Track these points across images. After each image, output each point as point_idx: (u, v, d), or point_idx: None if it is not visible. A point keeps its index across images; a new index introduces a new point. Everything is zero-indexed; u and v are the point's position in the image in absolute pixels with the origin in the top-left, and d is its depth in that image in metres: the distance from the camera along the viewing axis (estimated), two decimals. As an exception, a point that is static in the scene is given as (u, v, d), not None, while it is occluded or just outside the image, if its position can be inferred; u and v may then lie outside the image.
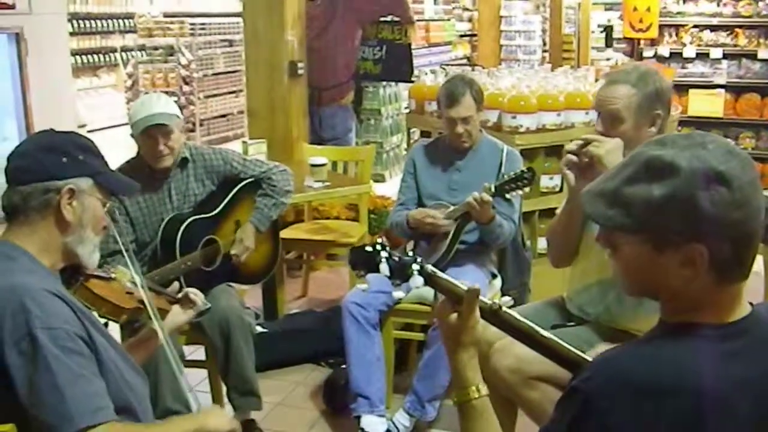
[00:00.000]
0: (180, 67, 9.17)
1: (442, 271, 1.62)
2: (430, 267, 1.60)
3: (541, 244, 3.84)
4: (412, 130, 5.19)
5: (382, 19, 6.03)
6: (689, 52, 7.15)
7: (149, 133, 2.83)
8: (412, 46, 6.20)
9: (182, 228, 2.89)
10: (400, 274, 1.61)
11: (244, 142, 4.36)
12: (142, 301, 1.92)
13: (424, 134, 4.51)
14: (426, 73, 4.62)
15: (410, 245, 3.23)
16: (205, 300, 2.25)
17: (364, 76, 6.30)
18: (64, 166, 1.70)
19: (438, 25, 10.26)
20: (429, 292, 3.03)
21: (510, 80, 4.01)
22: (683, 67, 7.20)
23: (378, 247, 1.62)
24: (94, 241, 1.77)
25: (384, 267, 1.61)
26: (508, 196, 2.99)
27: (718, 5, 7.07)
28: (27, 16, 4.70)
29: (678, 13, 7.23)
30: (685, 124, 6.09)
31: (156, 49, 9.44)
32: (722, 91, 7.08)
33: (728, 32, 7.07)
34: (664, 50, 7.23)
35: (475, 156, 3.24)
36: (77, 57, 9.09)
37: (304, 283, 4.66)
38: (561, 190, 3.80)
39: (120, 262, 2.25)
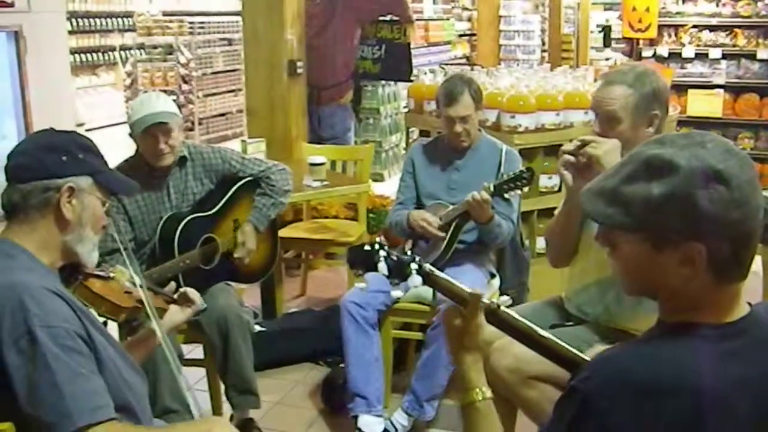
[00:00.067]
0: (179, 66, 9.17)
1: (441, 270, 1.62)
2: (428, 266, 1.61)
3: (540, 243, 3.83)
4: (411, 130, 5.20)
5: (381, 18, 6.03)
6: (688, 52, 7.15)
7: (150, 132, 2.82)
8: (411, 46, 6.20)
9: (180, 226, 2.89)
10: (398, 273, 1.61)
11: (243, 141, 4.36)
12: (140, 301, 1.93)
13: (423, 133, 4.51)
14: (425, 73, 4.62)
15: (409, 245, 3.23)
16: (202, 300, 2.24)
17: (363, 76, 6.30)
18: (64, 165, 1.70)
19: (437, 25, 10.27)
20: (427, 292, 3.03)
21: (509, 80, 4.01)
22: (682, 67, 7.20)
23: (376, 246, 1.62)
24: (94, 240, 1.77)
25: (382, 266, 1.61)
26: (506, 195, 2.99)
27: (717, 5, 7.07)
28: (26, 15, 4.70)
29: (677, 13, 7.23)
30: (684, 124, 6.09)
31: (155, 47, 9.43)
32: (721, 91, 7.08)
33: (727, 32, 7.07)
34: (663, 50, 7.23)
35: (474, 155, 3.24)
36: (76, 55, 9.09)
37: (303, 282, 4.65)
38: (560, 189, 3.80)
39: (119, 261, 2.25)
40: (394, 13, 6.01)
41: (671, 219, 1.18)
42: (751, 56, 6.97)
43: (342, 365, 3.16)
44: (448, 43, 10.58)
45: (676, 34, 7.26)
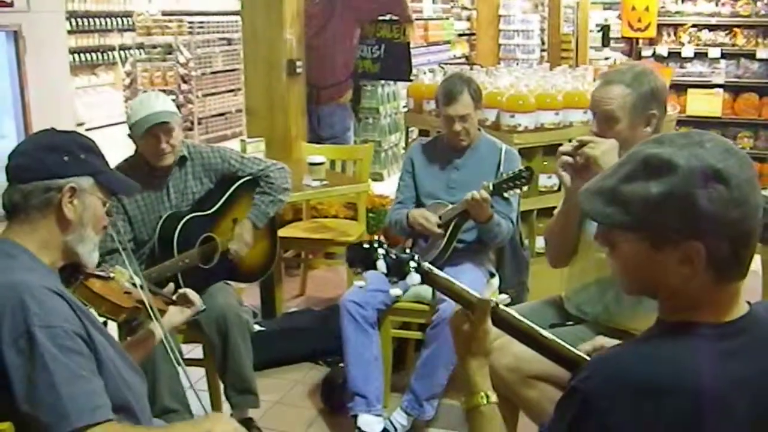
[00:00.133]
0: (178, 66, 9.17)
1: (440, 269, 1.62)
2: (426, 264, 1.61)
3: (539, 243, 3.83)
4: (410, 129, 5.20)
5: (380, 17, 6.03)
6: (688, 51, 7.14)
7: (152, 132, 2.82)
8: (411, 45, 6.20)
9: (180, 226, 2.89)
10: (397, 271, 1.61)
11: (242, 141, 4.36)
12: (140, 301, 1.93)
13: (423, 133, 4.51)
14: (424, 72, 4.62)
15: (408, 243, 3.23)
16: (201, 301, 2.25)
17: (363, 75, 6.30)
18: (66, 165, 1.70)
19: (437, 24, 10.27)
20: (427, 291, 3.03)
21: (508, 79, 4.01)
22: (681, 67, 7.20)
23: (375, 244, 1.62)
24: (94, 240, 1.78)
25: (381, 264, 1.61)
26: (506, 194, 2.99)
27: (717, 5, 7.06)
28: (25, 14, 4.70)
29: (676, 12, 7.23)
30: (683, 124, 6.08)
31: (154, 47, 9.43)
32: (720, 90, 7.08)
33: (727, 32, 7.07)
34: (662, 50, 7.23)
35: (474, 155, 3.24)
36: (75, 55, 9.10)
37: (302, 281, 4.65)
38: (559, 189, 3.80)
39: (118, 261, 2.25)
40: (394, 12, 6.00)
41: (670, 218, 1.18)
42: (751, 56, 6.96)
43: (341, 365, 3.16)
44: (448, 42, 10.58)
45: (675, 34, 7.25)
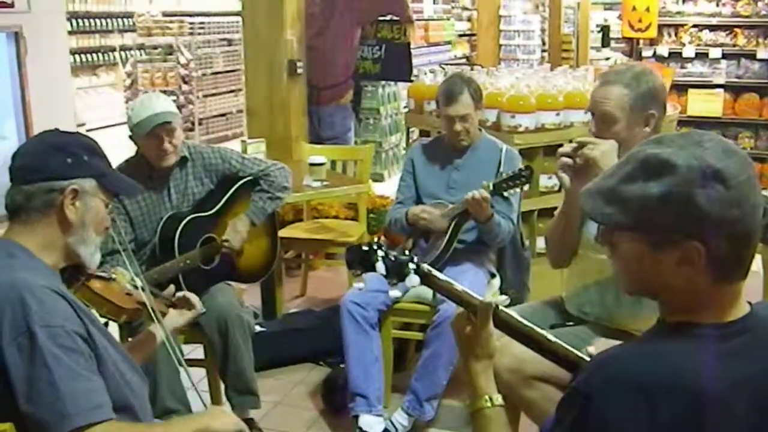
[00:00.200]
0: (179, 66, 9.18)
1: (440, 269, 1.62)
2: (426, 266, 1.61)
3: (540, 243, 3.83)
4: (411, 130, 5.19)
5: (381, 18, 6.04)
6: (688, 51, 7.14)
7: (155, 132, 2.82)
8: (411, 46, 6.21)
9: (181, 226, 2.89)
10: (396, 273, 1.61)
11: (243, 142, 4.36)
12: (141, 303, 1.93)
13: (423, 134, 4.51)
14: (425, 73, 4.62)
15: (409, 244, 3.23)
16: (201, 304, 2.25)
17: (363, 76, 6.31)
18: (69, 167, 1.70)
19: (437, 25, 10.27)
20: (427, 292, 3.00)
21: (509, 80, 4.01)
22: (682, 67, 7.20)
23: (374, 245, 1.62)
24: (96, 241, 1.78)
25: (380, 266, 1.61)
26: (506, 194, 2.99)
27: (717, 5, 7.06)
28: (26, 15, 4.69)
29: (677, 12, 7.23)
30: (684, 124, 6.08)
31: (155, 48, 9.44)
32: (721, 90, 7.08)
33: (727, 32, 7.07)
34: (663, 50, 7.23)
35: (474, 155, 3.24)
36: (76, 56, 9.10)
37: (303, 282, 4.65)
38: (560, 189, 3.77)
39: (119, 262, 2.25)
40: (394, 13, 6.01)
41: (669, 218, 1.18)
42: (751, 56, 6.96)
43: (342, 365, 3.17)
44: (448, 43, 10.59)
45: (676, 34, 7.25)
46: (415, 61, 6.51)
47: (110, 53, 9.95)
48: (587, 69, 4.52)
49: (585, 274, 2.42)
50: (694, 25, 7.16)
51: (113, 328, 2.17)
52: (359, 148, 5.21)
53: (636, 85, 2.29)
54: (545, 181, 3.90)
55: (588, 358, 1.57)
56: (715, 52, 7.04)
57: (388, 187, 6.12)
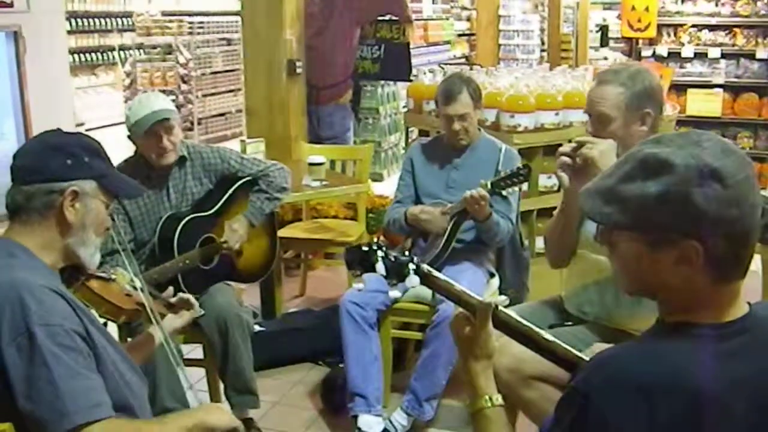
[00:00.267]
0: (178, 66, 9.18)
1: (439, 269, 1.62)
2: (425, 267, 1.60)
3: (540, 243, 3.82)
4: (410, 130, 5.19)
5: (380, 18, 6.04)
6: (687, 51, 7.14)
7: (153, 130, 2.82)
8: (411, 46, 6.21)
9: (180, 226, 2.89)
10: (395, 273, 1.61)
11: (242, 141, 4.36)
12: (140, 303, 1.93)
13: (423, 133, 4.51)
14: (424, 73, 4.62)
15: (408, 244, 3.23)
16: (198, 307, 2.25)
17: (363, 75, 6.30)
18: (69, 168, 1.70)
19: (436, 24, 10.27)
20: (427, 291, 3.00)
21: (508, 79, 4.01)
22: (681, 67, 7.20)
23: (374, 246, 1.62)
24: (96, 242, 1.78)
25: (380, 266, 1.61)
26: (504, 192, 2.99)
27: (717, 5, 7.06)
28: (25, 14, 4.69)
29: (676, 12, 7.23)
30: (683, 124, 6.08)
31: (154, 47, 9.44)
32: (720, 90, 7.07)
33: (726, 32, 7.06)
34: (662, 50, 7.22)
35: (473, 154, 3.24)
36: (75, 55, 9.11)
37: (302, 282, 4.65)
38: (559, 189, 3.77)
39: (119, 262, 2.25)
40: (393, 12, 6.01)
41: (667, 217, 1.19)
42: (751, 56, 6.96)
43: (341, 365, 3.17)
44: (448, 42, 10.59)
45: (675, 34, 7.25)
46: (414, 60, 6.51)
47: (109, 53, 9.95)
48: (586, 69, 4.52)
49: (584, 274, 2.42)
50: (694, 25, 7.15)
51: (112, 329, 2.17)
52: (358, 148, 5.21)
53: (632, 84, 2.30)
54: (544, 181, 3.90)
55: (586, 358, 1.57)
56: (714, 52, 7.04)
57: (387, 187, 6.12)
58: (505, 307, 1.59)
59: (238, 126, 9.53)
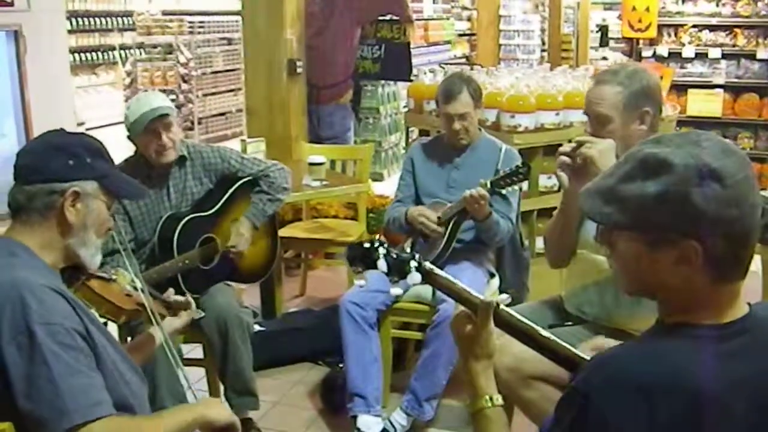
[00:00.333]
0: (179, 65, 9.17)
1: (440, 268, 1.62)
2: (428, 264, 1.60)
3: (540, 243, 3.82)
4: (410, 129, 5.19)
5: (380, 18, 6.04)
6: (688, 52, 7.14)
7: (152, 127, 2.82)
8: (411, 45, 6.20)
9: (180, 226, 2.89)
10: (397, 270, 1.61)
11: (242, 141, 4.36)
12: (140, 304, 1.93)
13: (423, 133, 4.51)
14: (425, 72, 4.62)
15: (408, 243, 3.23)
16: (196, 308, 2.25)
17: (363, 75, 6.30)
18: (71, 169, 1.70)
19: (437, 24, 10.26)
20: (427, 291, 3.03)
21: (509, 79, 4.01)
22: (682, 67, 7.20)
23: (376, 243, 1.62)
24: (97, 243, 1.78)
25: (381, 263, 1.61)
26: (503, 191, 2.99)
27: (717, 5, 7.05)
28: (25, 14, 4.69)
29: (677, 12, 7.22)
30: (683, 124, 6.08)
31: (155, 47, 9.44)
32: (721, 91, 7.07)
33: (727, 32, 7.06)
34: (662, 50, 7.22)
35: (473, 154, 3.24)
36: (76, 55, 9.11)
37: (303, 281, 4.65)
38: (559, 189, 3.77)
39: (119, 262, 2.25)
40: (394, 12, 6.01)
41: (667, 217, 1.19)
42: (751, 56, 6.96)
43: (341, 365, 3.16)
44: (448, 42, 10.58)
45: (675, 34, 7.25)
46: (414, 60, 6.51)
47: (110, 52, 9.96)
48: (587, 69, 4.52)
49: (584, 274, 2.42)
50: (694, 25, 7.15)
51: (112, 329, 2.17)
52: (359, 148, 5.21)
53: (629, 83, 2.31)
54: (544, 181, 3.90)
55: (587, 358, 1.57)
56: (714, 52, 7.04)
57: (387, 187, 6.12)
58: (507, 305, 1.58)
59: (239, 126, 9.53)
